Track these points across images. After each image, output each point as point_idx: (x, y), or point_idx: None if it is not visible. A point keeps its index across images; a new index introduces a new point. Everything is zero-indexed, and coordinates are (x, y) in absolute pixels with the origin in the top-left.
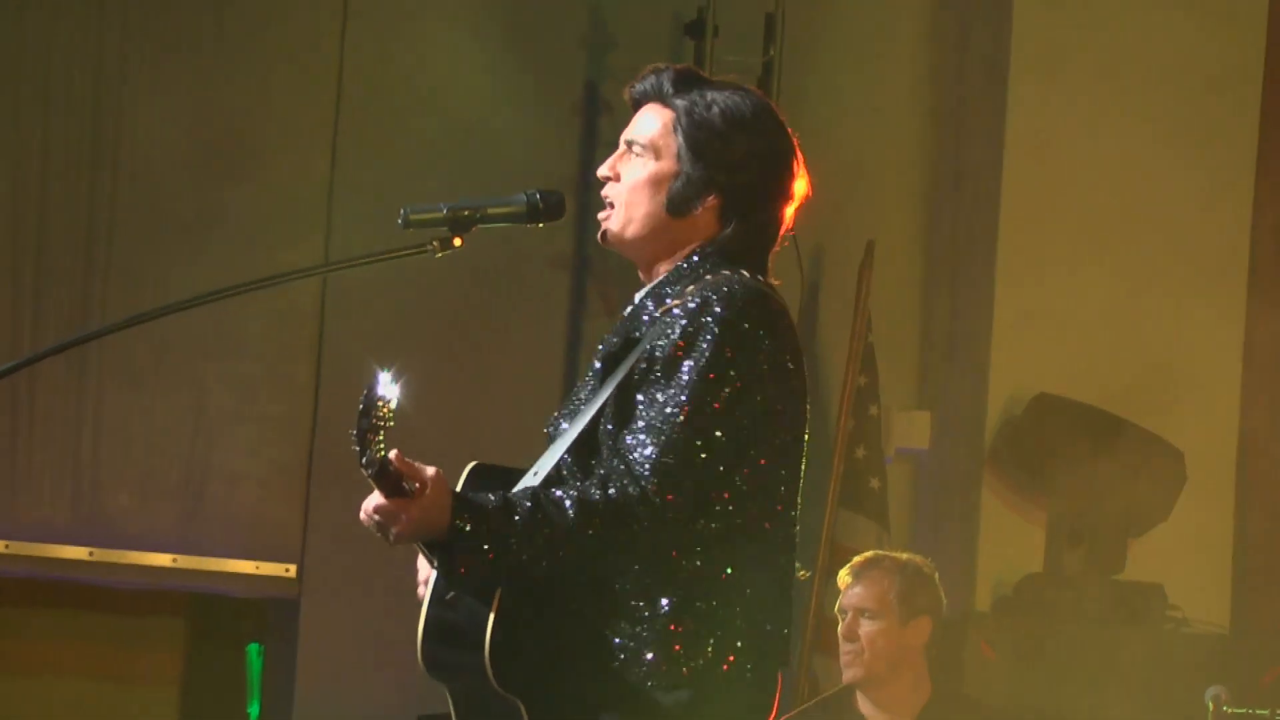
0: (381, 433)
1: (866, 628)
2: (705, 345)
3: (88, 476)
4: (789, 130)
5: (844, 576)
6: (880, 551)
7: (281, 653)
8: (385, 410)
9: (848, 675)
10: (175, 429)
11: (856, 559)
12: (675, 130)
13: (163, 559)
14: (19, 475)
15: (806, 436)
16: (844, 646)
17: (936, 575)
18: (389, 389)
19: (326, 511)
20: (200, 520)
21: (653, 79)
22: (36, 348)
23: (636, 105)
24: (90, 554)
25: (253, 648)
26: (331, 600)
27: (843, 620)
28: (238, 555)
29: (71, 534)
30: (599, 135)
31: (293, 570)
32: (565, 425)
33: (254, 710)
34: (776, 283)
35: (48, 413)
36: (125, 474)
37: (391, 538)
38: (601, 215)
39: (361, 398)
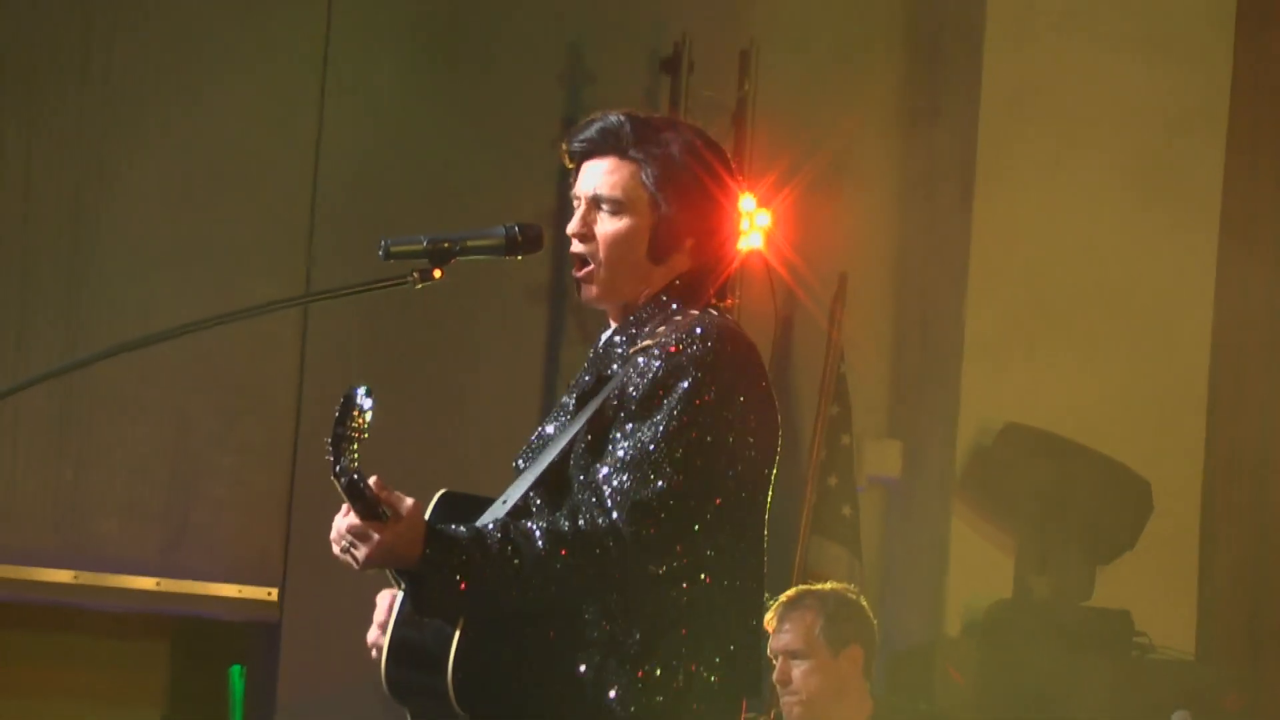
0: (356, 443)
1: (798, 669)
2: (680, 384)
3: (72, 502)
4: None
5: (770, 620)
6: (803, 588)
7: (263, 675)
8: (361, 421)
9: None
10: (158, 456)
11: (780, 599)
12: (644, 180)
13: (146, 582)
14: (4, 500)
15: (776, 468)
16: (781, 693)
17: (863, 600)
18: (366, 401)
19: (307, 536)
20: (183, 544)
21: (600, 128)
22: (21, 376)
23: (583, 157)
24: (74, 577)
25: (235, 670)
26: (312, 623)
27: (776, 665)
28: (220, 579)
29: (56, 558)
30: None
31: (274, 594)
32: (536, 458)
33: None
34: (733, 301)
35: (32, 439)
36: (109, 499)
37: (360, 560)
38: (579, 274)
39: (339, 405)
